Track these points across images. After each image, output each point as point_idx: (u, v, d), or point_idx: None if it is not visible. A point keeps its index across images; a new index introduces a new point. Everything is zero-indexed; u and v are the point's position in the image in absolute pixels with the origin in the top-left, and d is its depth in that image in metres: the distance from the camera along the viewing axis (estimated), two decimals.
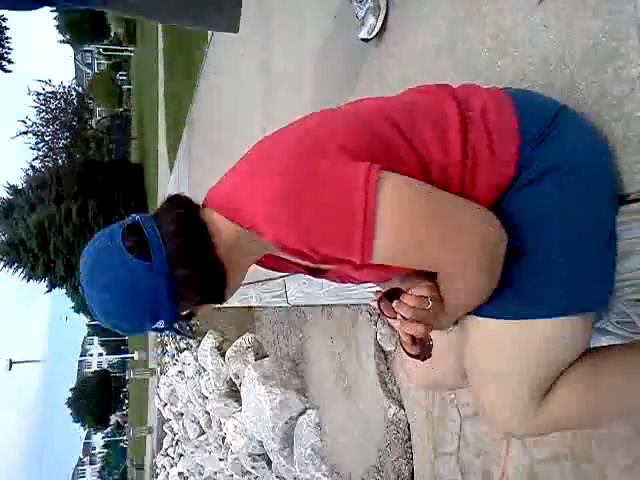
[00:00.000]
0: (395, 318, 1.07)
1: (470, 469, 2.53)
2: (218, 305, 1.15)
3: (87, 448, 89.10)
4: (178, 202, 1.12)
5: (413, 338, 1.07)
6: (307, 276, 1.23)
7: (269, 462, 5.66)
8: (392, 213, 0.96)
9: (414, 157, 1.04)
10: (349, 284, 1.24)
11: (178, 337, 10.78)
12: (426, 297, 1.05)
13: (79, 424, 68.16)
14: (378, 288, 1.17)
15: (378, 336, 3.12)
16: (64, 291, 21.24)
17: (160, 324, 1.08)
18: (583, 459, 1.89)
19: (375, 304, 1.13)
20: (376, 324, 3.12)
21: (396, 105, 1.10)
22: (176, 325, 1.10)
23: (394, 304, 1.06)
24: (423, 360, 1.10)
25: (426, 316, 1.05)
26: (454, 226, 1.00)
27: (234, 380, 6.18)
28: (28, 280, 19.08)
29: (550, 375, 1.11)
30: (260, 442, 5.48)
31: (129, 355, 31.17)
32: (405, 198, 0.98)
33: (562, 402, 1.11)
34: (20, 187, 23.09)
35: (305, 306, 4.05)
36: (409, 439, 3.10)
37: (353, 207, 0.94)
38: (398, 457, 3.15)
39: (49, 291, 20.31)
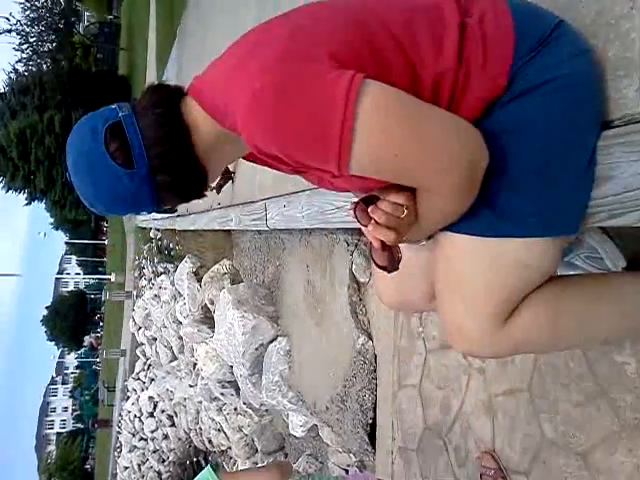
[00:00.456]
0: (367, 227, 1.08)
1: (430, 401, 2.61)
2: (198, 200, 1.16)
3: (60, 367, 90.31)
4: (159, 97, 1.10)
5: (383, 247, 1.08)
6: (285, 173, 1.23)
7: (237, 390, 5.78)
8: (371, 124, 0.95)
9: (406, 67, 1.01)
10: (328, 189, 1.24)
11: (155, 260, 10.81)
12: (402, 205, 1.06)
13: (53, 343, 68.87)
14: (355, 199, 1.17)
15: (353, 266, 3.15)
16: (43, 206, 21.06)
17: (143, 213, 1.17)
18: (538, 394, 1.96)
19: (352, 212, 1.13)
20: (352, 254, 3.15)
21: (396, 10, 1.07)
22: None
23: (369, 209, 1.07)
24: (390, 272, 1.11)
25: (399, 224, 1.06)
26: (436, 142, 0.99)
27: (209, 306, 6.23)
28: (7, 191, 18.82)
29: (516, 296, 1.13)
30: (230, 369, 5.59)
31: (106, 277, 31.20)
32: (386, 109, 0.96)
33: (524, 324, 1.14)
34: (1, 90, 22.49)
35: (284, 231, 4.06)
36: (375, 370, 3.17)
37: (332, 116, 0.93)
38: (363, 387, 3.23)
39: (28, 204, 20.12)
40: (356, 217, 1.11)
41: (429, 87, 1.03)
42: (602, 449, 1.69)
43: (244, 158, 1.28)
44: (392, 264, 1.10)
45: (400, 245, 1.13)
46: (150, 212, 1.14)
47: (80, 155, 1.09)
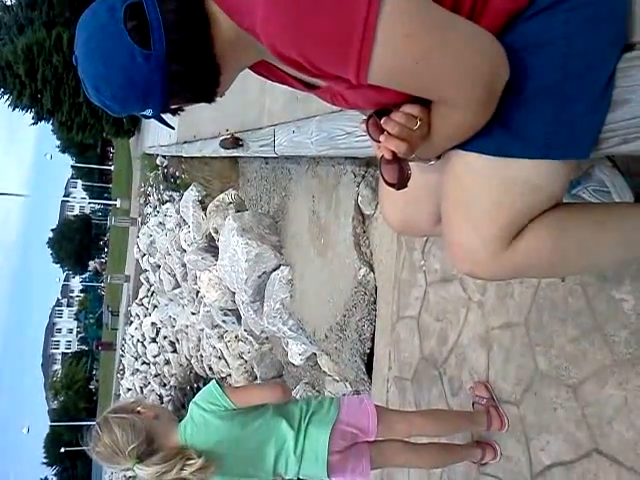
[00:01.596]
0: (379, 142, 1.07)
1: (428, 332, 2.65)
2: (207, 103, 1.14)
3: (65, 290, 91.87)
4: None
5: (393, 162, 1.07)
6: (298, 90, 1.20)
7: (239, 318, 5.87)
8: (394, 27, 0.92)
9: None
10: (340, 107, 1.22)
11: (161, 188, 10.79)
12: (415, 117, 1.05)
13: (58, 265, 69.81)
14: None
15: (359, 198, 3.14)
16: (50, 127, 20.81)
17: (148, 112, 1.08)
18: (534, 328, 1.98)
19: (363, 125, 1.12)
20: (359, 186, 3.14)
21: None
22: (163, 115, 1.12)
23: (382, 120, 1.05)
24: (398, 189, 1.11)
25: (412, 136, 1.05)
26: (459, 51, 0.97)
27: (213, 235, 6.26)
28: (14, 109, 18.55)
29: (521, 218, 1.13)
30: (232, 297, 5.66)
31: (112, 202, 31.23)
32: (409, 13, 0.93)
33: (528, 247, 1.14)
34: (8, 3, 21.89)
35: (291, 161, 4.04)
36: (375, 302, 3.21)
37: (353, 20, 0.90)
38: (362, 317, 3.28)
39: (35, 124, 19.85)
40: (367, 131, 1.09)
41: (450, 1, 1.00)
42: (593, 382, 1.73)
43: (255, 72, 1.25)
44: (401, 181, 1.09)
45: (410, 165, 1.12)
46: (155, 114, 1.09)
47: (94, 32, 1.04)
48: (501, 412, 2.13)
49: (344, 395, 2.45)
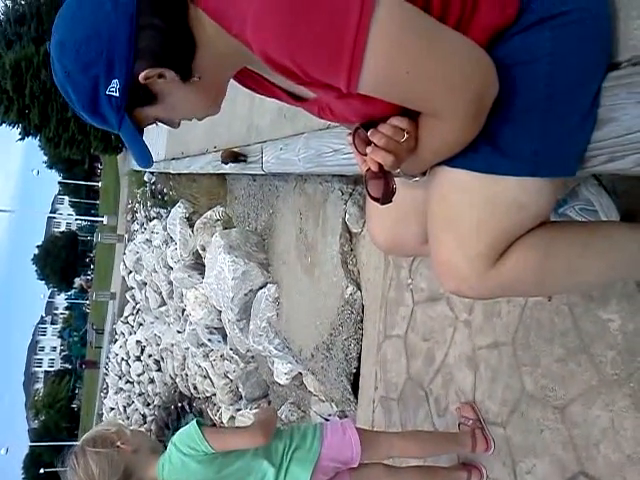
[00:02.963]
0: (365, 155, 1.06)
1: (415, 352, 2.63)
2: (187, 106, 1.09)
3: (50, 307, 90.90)
4: None
5: (378, 176, 1.07)
6: (285, 103, 1.19)
7: (225, 337, 5.83)
8: (386, 38, 0.91)
9: None
10: (327, 120, 1.21)
11: (148, 205, 10.74)
12: (403, 130, 1.05)
13: (43, 282, 69.11)
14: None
15: (347, 216, 3.13)
16: (38, 142, 20.68)
17: (115, 87, 0.99)
18: (521, 347, 1.97)
19: (350, 138, 1.11)
20: (346, 204, 3.13)
21: None
22: (128, 101, 1.00)
23: (369, 132, 1.05)
24: (383, 204, 1.10)
25: (399, 149, 1.04)
26: (449, 62, 0.97)
27: (200, 252, 6.23)
28: (1, 124, 18.48)
29: (507, 236, 1.12)
30: (218, 315, 5.62)
31: (99, 219, 31.06)
32: (401, 22, 0.93)
33: (514, 266, 1.13)
34: None
35: (279, 178, 4.03)
36: (361, 320, 3.19)
37: (346, 27, 0.89)
38: (349, 337, 3.26)
39: (22, 139, 19.74)
40: (354, 144, 1.09)
41: (438, 6, 1.00)
42: (579, 403, 1.72)
43: (242, 84, 1.24)
44: (386, 195, 1.08)
45: (395, 181, 1.11)
46: (121, 92, 0.99)
47: None
48: (487, 434, 2.10)
49: (328, 420, 2.40)
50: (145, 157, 1.11)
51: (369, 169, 1.09)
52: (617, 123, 1.03)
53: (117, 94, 1.00)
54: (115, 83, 0.99)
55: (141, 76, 1.00)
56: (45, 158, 50.31)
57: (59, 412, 53.56)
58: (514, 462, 1.94)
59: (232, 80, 1.18)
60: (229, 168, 4.34)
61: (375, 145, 1.04)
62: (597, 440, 1.64)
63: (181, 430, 1.94)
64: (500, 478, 2.00)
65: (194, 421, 1.91)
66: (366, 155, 1.07)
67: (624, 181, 1.56)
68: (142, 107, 1.06)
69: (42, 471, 36.28)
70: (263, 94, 1.23)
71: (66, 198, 72.10)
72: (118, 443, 1.84)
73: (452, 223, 1.14)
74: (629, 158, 1.04)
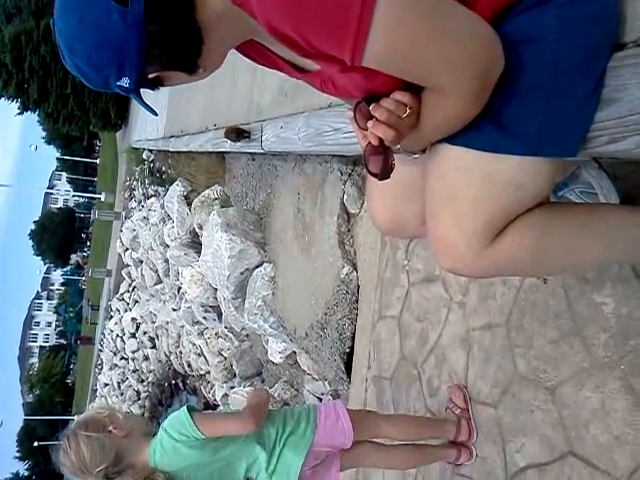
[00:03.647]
0: (366, 130, 1.06)
1: (408, 332, 2.65)
2: (189, 79, 1.10)
3: (45, 283, 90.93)
4: None
5: (378, 151, 1.07)
6: (287, 75, 1.19)
7: (220, 315, 5.84)
8: (392, 9, 0.90)
9: None
10: (329, 94, 1.20)
11: (146, 182, 10.72)
12: (405, 105, 1.04)
13: (39, 258, 69.10)
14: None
15: (345, 197, 3.13)
16: (36, 118, 20.60)
17: (125, 82, 1.02)
18: (515, 329, 1.99)
19: (351, 113, 1.11)
20: (345, 184, 3.13)
21: None
22: (141, 89, 1.05)
23: (371, 107, 1.04)
24: (381, 179, 1.10)
25: (400, 124, 1.04)
26: (456, 37, 0.97)
27: (197, 231, 6.23)
28: None
29: (505, 215, 1.13)
30: (214, 293, 5.63)
31: (96, 196, 30.95)
32: None
33: (510, 245, 1.14)
34: None
35: (278, 157, 4.02)
36: (356, 300, 3.20)
37: None
38: (343, 316, 3.27)
39: (20, 114, 19.64)
40: (355, 118, 1.08)
41: None
42: (570, 385, 1.73)
43: (243, 54, 1.23)
44: (384, 171, 1.08)
45: (396, 158, 1.11)
46: (132, 83, 1.03)
47: None
48: (472, 425, 2.13)
49: (321, 402, 2.39)
50: (153, 112, 1.18)
51: (369, 144, 1.09)
52: (620, 104, 1.03)
53: (127, 85, 1.04)
54: (125, 80, 1.03)
55: (150, 76, 1.05)
56: (44, 134, 50.11)
57: (53, 387, 53.84)
58: (504, 441, 1.96)
59: (233, 55, 1.18)
60: (229, 146, 4.32)
61: (377, 119, 1.04)
62: (587, 421, 1.65)
63: (172, 415, 1.95)
64: (490, 457, 2.03)
65: (185, 407, 1.92)
66: (367, 130, 1.07)
67: (624, 166, 1.56)
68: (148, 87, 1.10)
69: (36, 444, 36.59)
70: (264, 65, 1.22)
71: (64, 174, 71.89)
72: (110, 427, 1.85)
73: (450, 200, 1.14)
74: (630, 139, 1.04)
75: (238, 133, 3.95)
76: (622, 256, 1.34)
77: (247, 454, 1.98)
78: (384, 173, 1.09)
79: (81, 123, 19.94)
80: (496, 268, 1.19)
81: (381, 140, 1.05)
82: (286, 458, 1.99)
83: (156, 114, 1.20)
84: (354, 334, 3.23)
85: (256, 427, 1.92)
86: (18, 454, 57.13)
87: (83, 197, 53.26)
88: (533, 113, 1.05)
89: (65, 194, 68.42)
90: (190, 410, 1.89)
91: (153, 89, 1.09)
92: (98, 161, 42.24)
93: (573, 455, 1.69)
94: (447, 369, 2.33)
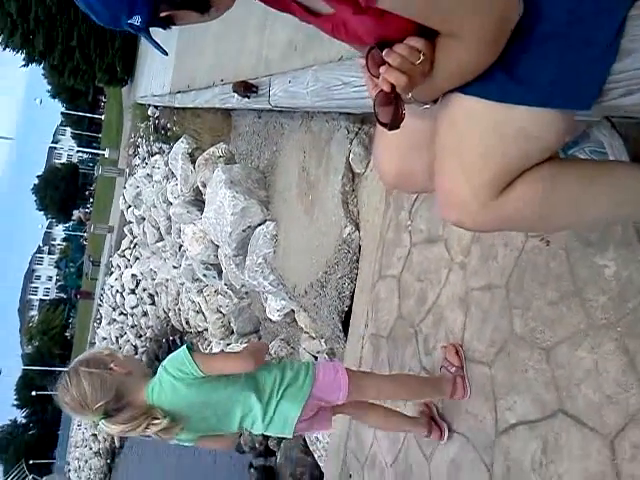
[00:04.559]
0: (377, 77, 1.04)
1: (408, 292, 2.66)
2: (200, 19, 1.09)
3: (47, 238, 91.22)
4: None
5: (389, 99, 1.05)
6: (299, 18, 1.17)
7: (220, 273, 5.86)
8: None
9: None
10: (339, 39, 1.18)
11: (151, 139, 10.66)
12: (419, 51, 1.03)
13: (42, 212, 69.16)
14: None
15: (351, 156, 3.12)
16: (41, 70, 20.37)
17: (136, 20, 1.02)
18: (514, 290, 1.99)
19: (364, 60, 1.09)
20: (351, 143, 3.11)
21: None
22: (152, 28, 1.05)
23: (384, 52, 1.03)
24: (391, 129, 1.08)
25: (413, 70, 1.03)
26: None
27: (201, 189, 6.21)
28: (4, 48, 18.08)
29: (514, 167, 1.12)
30: (215, 251, 5.64)
31: (100, 152, 30.80)
32: None
33: (518, 198, 1.13)
34: None
35: (285, 115, 3.99)
36: (357, 260, 3.21)
37: None
38: (343, 275, 3.29)
39: (26, 65, 19.37)
40: (367, 65, 1.07)
41: None
42: (566, 345, 1.74)
43: (264, 2, 1.21)
44: (395, 121, 1.07)
45: (406, 108, 1.09)
46: (143, 21, 1.02)
47: None
48: (466, 383, 2.15)
49: (318, 359, 2.42)
50: (163, 51, 1.17)
51: (380, 92, 1.07)
52: (636, 55, 1.01)
53: (138, 24, 1.04)
54: (137, 18, 1.03)
55: (162, 15, 1.04)
56: (49, 87, 49.66)
57: (52, 339, 54.48)
58: (496, 399, 1.98)
59: (242, 9, 1.16)
60: (236, 102, 4.29)
61: (389, 65, 1.02)
62: (579, 380, 1.67)
63: (171, 355, 1.97)
64: (480, 413, 2.05)
65: (184, 346, 1.93)
66: (378, 78, 1.06)
67: (636, 127, 1.54)
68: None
69: (34, 393, 37.16)
70: (276, 7, 1.20)
71: (68, 129, 71.42)
72: (111, 365, 1.88)
73: (459, 151, 1.13)
74: None
75: (246, 87, 3.92)
76: (629, 214, 1.34)
77: (243, 401, 2.00)
78: (394, 123, 1.07)
79: (86, 77, 19.71)
80: (502, 221, 1.18)
81: (392, 88, 1.04)
82: (283, 409, 2.01)
83: (166, 53, 1.18)
84: (353, 293, 3.24)
85: (255, 365, 1.94)
86: (16, 402, 58.09)
87: (87, 153, 53.15)
88: (549, 63, 1.04)
89: (69, 149, 68.15)
90: (189, 349, 1.91)
91: (165, 28, 1.08)
92: (103, 117, 41.97)
93: (564, 413, 1.71)
94: (444, 328, 2.35)
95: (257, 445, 5.31)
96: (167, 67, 9.25)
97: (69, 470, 24.81)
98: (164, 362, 1.97)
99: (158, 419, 1.86)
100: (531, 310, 1.91)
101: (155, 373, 1.99)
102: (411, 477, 2.46)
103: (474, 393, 2.11)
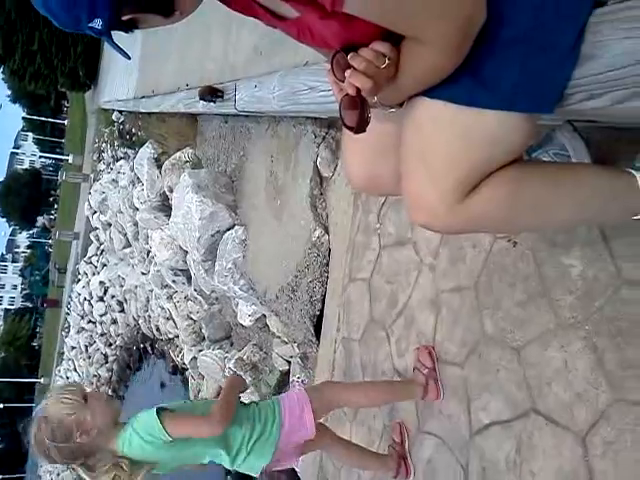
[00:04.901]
0: (342, 82, 1.05)
1: (378, 295, 2.67)
2: (164, 22, 1.07)
3: (11, 245, 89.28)
4: None
5: (355, 103, 1.06)
6: (264, 23, 1.16)
7: (189, 279, 5.81)
8: None
9: None
10: (305, 43, 1.18)
11: (115, 144, 10.52)
12: (384, 55, 1.03)
13: (4, 220, 67.72)
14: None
15: (319, 160, 3.12)
16: (1, 75, 19.90)
17: (97, 23, 1.00)
18: (483, 291, 2.02)
19: (328, 65, 1.09)
20: (319, 147, 3.11)
21: None
22: (113, 32, 1.03)
23: (350, 56, 1.03)
24: (356, 133, 1.09)
25: (378, 74, 1.03)
26: None
27: (167, 194, 6.15)
28: None
29: (479, 171, 1.13)
30: (183, 257, 5.59)
31: (64, 157, 30.25)
32: None
33: (483, 200, 1.14)
34: None
35: (251, 119, 3.98)
36: (327, 264, 3.22)
37: None
38: (314, 279, 3.29)
39: None
40: (332, 70, 1.07)
41: None
42: (536, 345, 1.77)
43: (224, 3, 1.20)
44: (360, 124, 1.07)
45: (372, 112, 1.10)
46: (104, 24, 1.00)
47: None
48: (439, 385, 2.17)
49: (285, 394, 2.38)
50: (126, 55, 1.15)
51: (345, 96, 1.07)
52: (598, 60, 1.03)
53: (99, 27, 1.01)
54: (97, 22, 1.00)
55: (124, 18, 1.02)
56: (9, 92, 48.62)
57: (19, 349, 53.27)
58: (469, 400, 2.00)
59: (206, 14, 1.15)
60: (202, 107, 4.25)
61: (354, 69, 1.02)
62: (550, 379, 1.69)
63: (141, 415, 1.97)
64: (455, 414, 2.07)
65: (154, 409, 1.93)
66: (343, 82, 1.06)
67: (598, 131, 1.57)
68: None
69: (1, 406, 36.32)
70: (241, 11, 1.19)
71: (30, 134, 69.98)
72: (77, 436, 1.86)
73: (424, 155, 1.14)
74: (607, 96, 1.05)
75: (212, 92, 3.89)
76: (593, 215, 1.36)
77: (212, 454, 2.06)
78: (360, 126, 1.08)
79: (48, 82, 19.35)
80: (468, 224, 1.19)
81: (358, 92, 1.04)
82: (251, 461, 2.08)
83: (129, 57, 1.17)
84: (324, 297, 3.25)
85: (222, 430, 1.96)
86: None
87: (50, 158, 52.16)
88: (511, 67, 1.05)
89: (31, 155, 66.84)
90: (159, 411, 1.92)
91: (127, 32, 1.06)
92: (66, 122, 41.23)
93: (536, 412, 1.73)
94: (415, 331, 2.36)
95: None
96: (131, 72, 9.14)
97: None
98: (134, 423, 1.94)
99: (125, 471, 1.88)
100: (501, 311, 1.93)
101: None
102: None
103: (447, 394, 2.13)
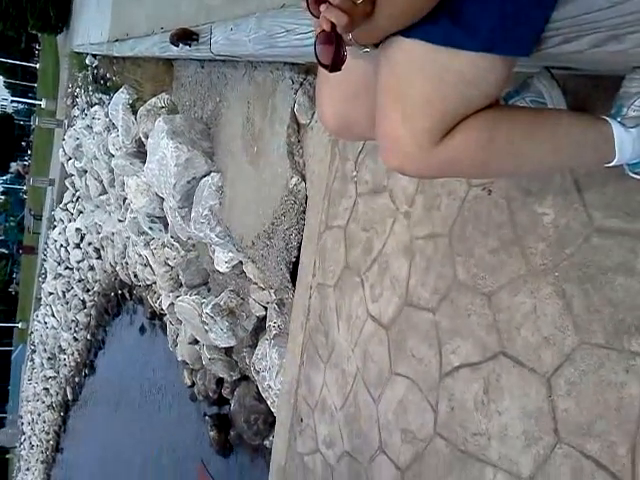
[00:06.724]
0: (317, 17, 1.03)
1: (354, 242, 2.69)
2: None
3: None
4: None
5: (329, 40, 1.04)
6: None
7: (166, 225, 5.78)
8: None
9: None
10: None
11: (90, 90, 10.27)
12: None
13: None
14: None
15: (296, 106, 3.08)
16: None
17: None
18: (457, 239, 2.04)
19: (304, 2, 1.07)
20: (296, 93, 3.07)
21: None
22: None
23: None
24: (331, 71, 1.07)
25: (354, 10, 1.01)
26: None
27: (143, 140, 6.05)
28: None
29: (454, 113, 1.13)
30: (160, 204, 5.55)
31: (36, 102, 29.44)
32: None
33: (458, 144, 1.15)
34: None
35: (228, 64, 3.89)
36: (304, 211, 3.22)
37: None
38: (290, 226, 3.29)
39: None
40: (307, 6, 1.05)
41: None
42: (507, 291, 1.80)
43: None
44: (335, 62, 1.06)
45: (348, 50, 1.08)
46: None
47: None
48: None
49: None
50: None
51: (321, 32, 1.05)
52: (575, 2, 1.03)
53: None
54: None
55: None
56: None
57: None
58: (440, 343, 2.05)
59: None
60: (177, 51, 4.14)
61: (329, 3, 1.01)
62: (519, 324, 1.74)
63: None
64: (425, 357, 2.12)
65: None
66: (319, 18, 1.04)
67: (574, 79, 1.57)
68: None
69: None
70: None
71: (1, 78, 67.93)
72: None
73: (400, 96, 1.13)
74: (584, 39, 1.04)
75: (186, 35, 3.78)
76: (567, 161, 1.37)
77: None
78: (335, 64, 1.06)
79: (17, 23, 18.69)
80: (442, 167, 1.19)
81: (333, 27, 1.02)
82: None
83: None
84: (300, 244, 3.26)
85: None
86: None
87: (22, 103, 50.75)
88: (489, 9, 1.04)
89: (3, 100, 64.94)
90: None
91: None
92: (38, 66, 39.98)
93: (504, 355, 1.78)
94: (389, 277, 2.39)
95: (210, 394, 5.37)
96: (105, 14, 8.86)
97: (22, 423, 24.61)
98: None
99: None
100: (473, 258, 1.96)
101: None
102: (360, 419, 2.53)
103: (419, 339, 2.17)
